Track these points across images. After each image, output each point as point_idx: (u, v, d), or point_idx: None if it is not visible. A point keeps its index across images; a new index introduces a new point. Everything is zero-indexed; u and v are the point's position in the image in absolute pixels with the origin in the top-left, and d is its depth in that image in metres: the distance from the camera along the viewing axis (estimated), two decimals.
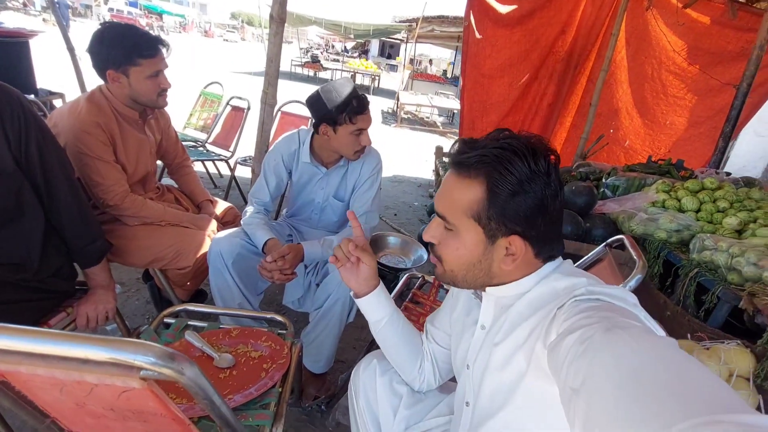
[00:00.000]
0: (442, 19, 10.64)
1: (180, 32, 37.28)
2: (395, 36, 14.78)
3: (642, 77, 3.83)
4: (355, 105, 1.38)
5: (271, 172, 1.58)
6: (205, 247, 1.52)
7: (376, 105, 11.09)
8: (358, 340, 1.99)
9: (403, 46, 16.23)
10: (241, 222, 1.54)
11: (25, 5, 23.49)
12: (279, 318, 1.24)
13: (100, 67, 1.32)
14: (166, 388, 0.61)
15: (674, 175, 2.68)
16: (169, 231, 1.48)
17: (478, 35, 3.55)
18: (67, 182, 1.17)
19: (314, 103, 1.41)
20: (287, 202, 1.80)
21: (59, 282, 1.22)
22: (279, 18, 1.61)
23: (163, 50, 1.39)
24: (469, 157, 0.66)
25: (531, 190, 0.64)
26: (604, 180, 2.60)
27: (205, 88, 3.57)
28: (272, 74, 1.72)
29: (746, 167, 6.98)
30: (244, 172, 3.32)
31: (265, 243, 1.43)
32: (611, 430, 0.39)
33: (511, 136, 0.66)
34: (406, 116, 9.45)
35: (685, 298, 1.72)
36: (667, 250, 1.89)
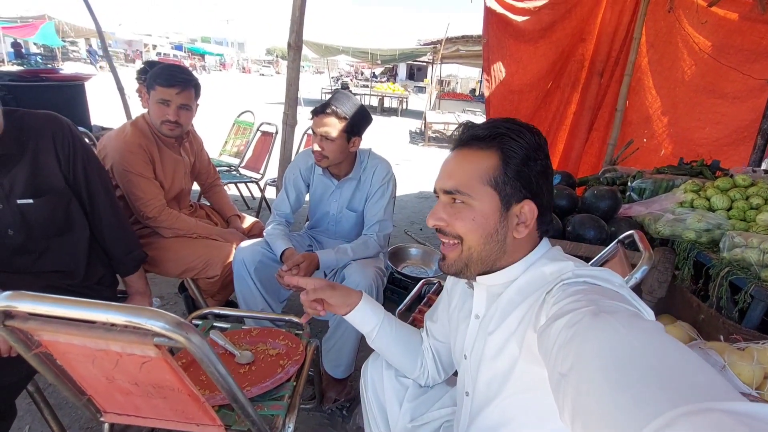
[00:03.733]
0: (466, 39, 10.79)
1: (220, 70, 39.80)
2: (421, 59, 15.09)
3: (671, 82, 3.72)
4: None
5: (290, 185, 1.68)
6: (230, 257, 1.63)
7: (405, 125, 11.29)
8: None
9: (429, 68, 16.54)
10: (264, 233, 1.64)
11: (90, 54, 25.92)
12: (296, 319, 1.31)
13: (147, 88, 1.51)
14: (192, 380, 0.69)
15: (707, 175, 2.58)
16: (200, 243, 1.61)
17: (499, 51, 3.59)
18: (108, 199, 1.32)
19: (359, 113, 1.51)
20: (308, 215, 1.90)
21: (103, 289, 1.36)
22: (296, 45, 1.74)
23: (187, 90, 1.53)
24: (481, 131, 0.71)
25: (538, 157, 0.70)
26: (629, 183, 2.54)
27: (238, 117, 3.82)
28: (291, 97, 1.85)
29: None
30: (273, 193, 3.49)
31: (283, 252, 1.52)
32: (598, 416, 0.39)
33: (511, 119, 0.73)
34: (433, 135, 9.55)
35: (718, 299, 1.64)
36: (696, 250, 1.81)
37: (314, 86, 19.52)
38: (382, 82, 17.61)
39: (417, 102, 17.55)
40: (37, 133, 1.16)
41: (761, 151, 2.82)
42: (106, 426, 0.93)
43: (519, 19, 3.48)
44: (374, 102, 13.80)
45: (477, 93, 15.55)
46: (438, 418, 0.96)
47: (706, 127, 3.72)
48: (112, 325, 0.57)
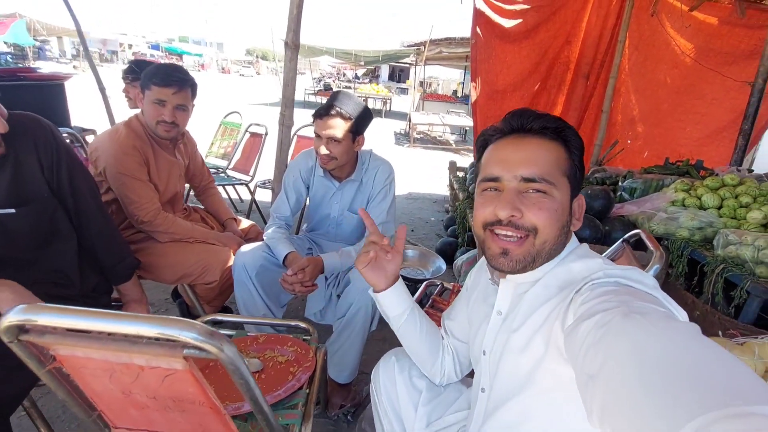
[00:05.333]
0: (449, 41, 10.86)
1: (199, 70, 39.03)
2: (404, 60, 15.13)
3: (654, 84, 3.82)
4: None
5: (290, 187, 1.64)
6: (230, 262, 1.58)
7: (389, 127, 11.28)
8: (381, 353, 1.99)
9: (412, 70, 16.59)
10: (263, 236, 1.60)
11: (61, 55, 25.13)
12: (303, 325, 1.27)
13: (141, 88, 1.45)
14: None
15: (693, 175, 2.65)
16: (197, 247, 1.56)
17: (486, 51, 3.63)
18: (96, 206, 1.25)
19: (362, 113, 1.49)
20: (306, 218, 1.86)
21: (99, 296, 1.29)
22: (293, 44, 1.71)
23: (183, 89, 1.48)
24: (551, 122, 0.71)
25: (582, 150, 0.73)
26: (620, 183, 2.59)
27: (224, 118, 3.74)
28: (288, 97, 1.81)
29: None
30: (263, 195, 3.43)
31: (286, 256, 1.48)
32: (630, 419, 0.38)
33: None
34: (418, 136, 9.58)
35: (714, 296, 1.69)
36: (690, 248, 1.86)
37: (296, 87, 19.33)
38: (364, 83, 17.59)
39: (400, 103, 17.58)
40: (17, 137, 1.07)
41: (742, 150, 2.91)
42: None
43: (505, 21, 3.52)
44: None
45: (459, 94, 15.69)
46: (454, 423, 0.94)
47: (687, 127, 3.84)
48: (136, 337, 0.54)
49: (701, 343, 0.40)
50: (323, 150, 1.45)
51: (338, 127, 1.40)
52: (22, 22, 18.27)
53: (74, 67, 24.29)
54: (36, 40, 20.80)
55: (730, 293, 1.62)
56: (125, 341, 0.56)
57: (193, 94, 1.52)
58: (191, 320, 0.53)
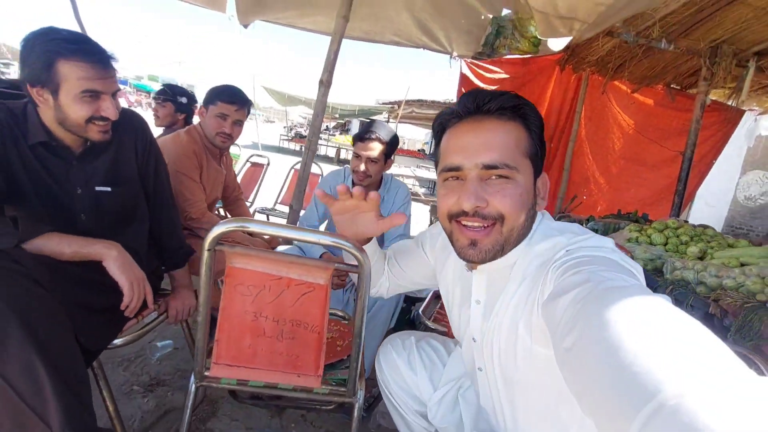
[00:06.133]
0: (420, 103, 11.83)
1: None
2: (377, 116, 16.09)
3: (606, 150, 4.48)
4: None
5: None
6: None
7: None
8: None
9: None
10: (294, 241, 1.79)
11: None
12: (340, 313, 1.46)
13: (204, 103, 1.67)
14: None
15: (641, 222, 3.14)
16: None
17: None
18: (170, 194, 1.44)
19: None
20: (329, 227, 2.07)
21: (154, 279, 1.43)
22: (327, 82, 2.03)
23: (243, 108, 1.72)
24: (507, 101, 0.68)
25: (542, 126, 0.71)
26: (584, 225, 3.01)
27: None
28: (316, 126, 2.09)
29: None
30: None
31: (321, 256, 1.68)
32: (596, 395, 0.39)
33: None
34: None
35: None
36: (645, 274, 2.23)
37: (269, 134, 19.77)
38: (335, 134, 18.34)
39: None
40: (121, 126, 1.27)
41: (678, 207, 3.48)
42: (192, 388, 1.01)
43: (486, 86, 4.09)
44: (331, 153, 14.30)
45: (427, 152, 16.69)
46: (454, 378, 0.99)
47: (632, 188, 4.48)
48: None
49: (673, 317, 0.42)
50: (362, 167, 1.71)
51: (376, 149, 1.69)
52: None
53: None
54: None
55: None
56: (289, 256, 0.77)
57: (248, 113, 1.76)
58: (348, 238, 0.75)
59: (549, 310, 0.54)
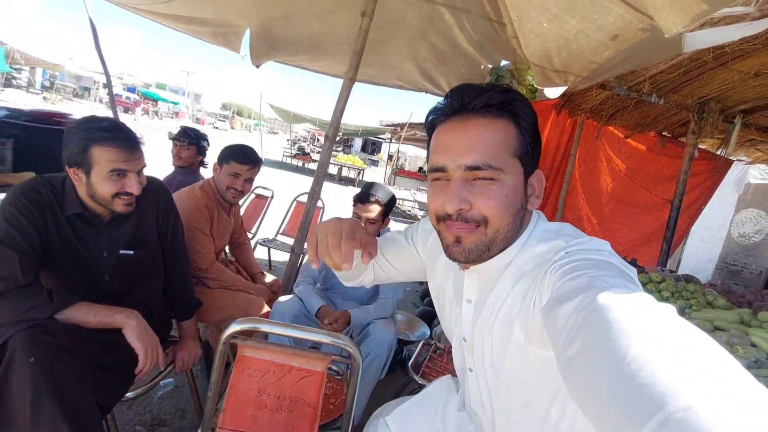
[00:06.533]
0: (424, 126, 12.08)
1: (173, 117, 39.29)
2: (379, 136, 16.34)
3: (598, 191, 4.63)
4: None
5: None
6: (263, 310, 1.86)
7: None
8: (384, 396, 2.25)
9: (384, 145, 17.87)
10: (295, 291, 1.91)
11: (29, 84, 24.84)
12: (335, 366, 1.57)
13: (219, 161, 1.80)
14: None
15: None
16: (239, 295, 1.84)
17: None
18: (184, 251, 1.56)
19: None
20: (324, 277, 2.19)
21: (163, 333, 1.54)
22: (332, 137, 2.17)
23: (255, 167, 1.87)
24: (495, 97, 0.65)
25: (536, 121, 0.68)
26: None
27: None
28: (320, 175, 2.22)
29: (697, 269, 7.90)
30: (261, 253, 3.69)
31: (319, 309, 1.80)
32: (601, 405, 0.39)
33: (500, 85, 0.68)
34: None
35: None
36: None
37: (272, 147, 20.06)
38: (338, 151, 18.61)
39: (371, 174, 18.59)
40: (146, 196, 1.40)
41: (666, 253, 3.60)
42: None
43: None
44: (333, 170, 14.51)
45: (425, 170, 16.90)
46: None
47: (623, 229, 4.61)
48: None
49: (677, 329, 0.40)
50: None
51: (374, 211, 1.82)
52: (1, 50, 18.20)
53: (44, 98, 23.94)
54: (11, 67, 20.62)
55: None
56: (293, 349, 0.88)
57: (259, 170, 1.90)
58: (344, 335, 0.87)
59: (550, 317, 0.53)
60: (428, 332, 2.70)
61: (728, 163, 4.25)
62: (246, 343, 0.85)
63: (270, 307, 1.90)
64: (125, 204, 1.28)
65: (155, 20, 3.24)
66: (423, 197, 10.36)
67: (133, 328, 1.19)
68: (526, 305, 0.64)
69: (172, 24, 3.21)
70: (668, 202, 3.66)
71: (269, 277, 2.20)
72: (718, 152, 4.13)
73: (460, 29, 3.05)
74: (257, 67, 3.50)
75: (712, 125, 3.50)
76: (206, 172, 2.65)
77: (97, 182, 1.22)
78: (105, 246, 1.32)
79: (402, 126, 11.89)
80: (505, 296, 0.68)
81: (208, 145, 2.67)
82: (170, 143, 2.56)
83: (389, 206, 1.87)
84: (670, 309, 0.44)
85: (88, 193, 1.24)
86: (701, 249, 7.83)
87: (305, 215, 2.32)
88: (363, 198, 1.83)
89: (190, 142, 2.47)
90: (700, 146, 4.14)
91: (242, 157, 1.80)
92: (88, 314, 1.14)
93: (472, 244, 0.66)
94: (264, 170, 3.78)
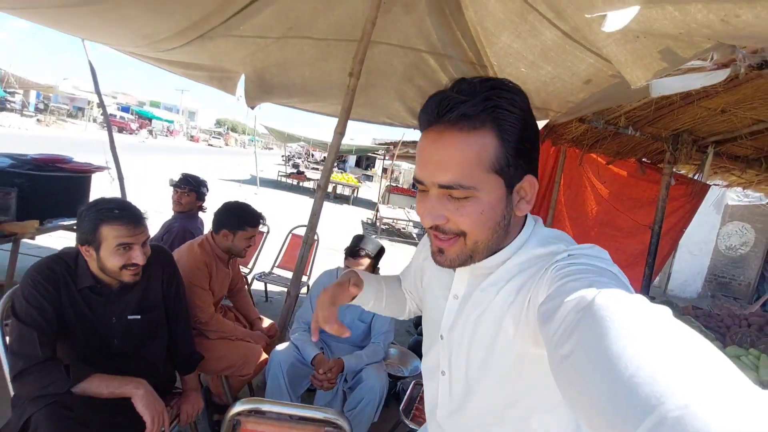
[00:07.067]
0: (416, 144, 12.28)
1: (167, 135, 39.45)
2: (372, 154, 16.55)
3: (584, 215, 4.79)
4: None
5: (316, 299, 2.12)
6: (261, 357, 1.97)
7: (356, 215, 12.07)
8: None
9: (378, 161, 18.09)
10: (291, 338, 2.02)
11: (23, 106, 24.93)
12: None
13: (218, 226, 1.92)
14: None
15: None
16: (239, 344, 1.95)
17: None
18: (186, 310, 1.67)
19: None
20: None
21: (167, 385, 1.64)
22: (324, 187, 2.30)
23: (261, 227, 2.01)
24: (472, 107, 0.60)
25: (531, 124, 0.64)
26: None
27: None
28: (314, 222, 2.35)
29: (687, 282, 8.09)
30: (257, 286, 3.79)
31: (314, 357, 1.91)
32: (595, 405, 0.38)
33: (492, 79, 0.63)
34: (384, 227, 10.35)
35: None
36: None
37: (266, 164, 20.19)
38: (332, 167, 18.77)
39: (366, 191, 18.77)
40: (152, 264, 1.52)
41: (648, 278, 3.76)
42: None
43: None
44: (328, 188, 14.62)
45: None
46: None
47: (609, 252, 4.74)
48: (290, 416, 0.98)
49: (675, 333, 0.40)
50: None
51: (365, 264, 1.94)
52: None
53: (38, 120, 24.02)
54: (6, 91, 20.78)
55: None
56: (291, 421, 1.00)
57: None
58: (337, 410, 0.99)
59: (546, 314, 0.53)
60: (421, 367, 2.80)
61: (706, 188, 4.43)
62: (249, 419, 0.96)
63: (268, 353, 2.01)
64: (132, 274, 1.40)
65: (155, 65, 3.40)
66: (415, 216, 10.50)
67: (141, 397, 1.30)
68: (520, 299, 0.64)
69: (170, 68, 3.37)
70: (648, 228, 3.82)
71: (266, 322, 2.31)
72: (695, 177, 4.32)
73: (444, 72, 3.22)
74: (251, 108, 3.65)
75: (687, 155, 3.68)
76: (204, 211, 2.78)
77: (106, 257, 1.34)
78: (114, 313, 1.43)
79: (395, 144, 12.10)
80: (497, 290, 0.68)
81: (207, 190, 2.80)
82: (168, 181, 2.70)
83: (378, 257, 2.00)
84: (665, 310, 0.45)
85: (99, 266, 1.36)
86: (690, 262, 8.01)
87: (299, 260, 2.43)
88: (353, 253, 1.96)
89: (191, 189, 2.61)
90: (678, 171, 4.33)
91: (256, 221, 1.95)
92: (101, 386, 1.25)
93: (454, 254, 0.67)
94: (260, 191, 3.88)
